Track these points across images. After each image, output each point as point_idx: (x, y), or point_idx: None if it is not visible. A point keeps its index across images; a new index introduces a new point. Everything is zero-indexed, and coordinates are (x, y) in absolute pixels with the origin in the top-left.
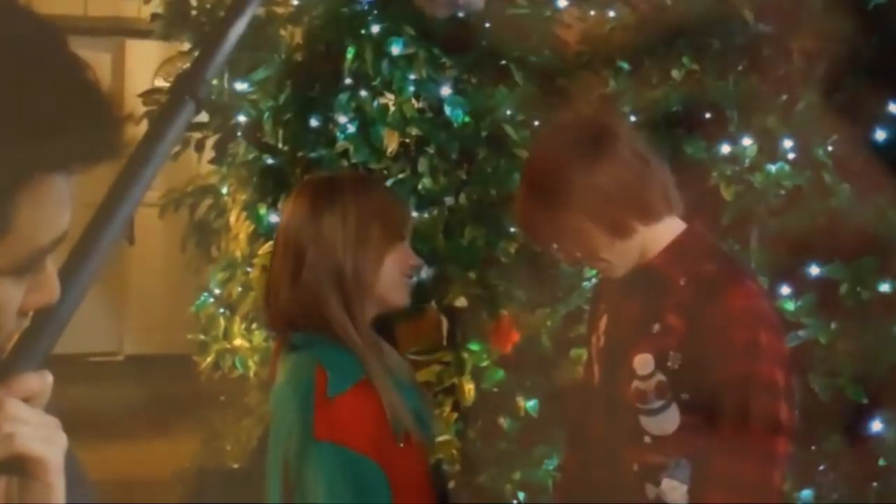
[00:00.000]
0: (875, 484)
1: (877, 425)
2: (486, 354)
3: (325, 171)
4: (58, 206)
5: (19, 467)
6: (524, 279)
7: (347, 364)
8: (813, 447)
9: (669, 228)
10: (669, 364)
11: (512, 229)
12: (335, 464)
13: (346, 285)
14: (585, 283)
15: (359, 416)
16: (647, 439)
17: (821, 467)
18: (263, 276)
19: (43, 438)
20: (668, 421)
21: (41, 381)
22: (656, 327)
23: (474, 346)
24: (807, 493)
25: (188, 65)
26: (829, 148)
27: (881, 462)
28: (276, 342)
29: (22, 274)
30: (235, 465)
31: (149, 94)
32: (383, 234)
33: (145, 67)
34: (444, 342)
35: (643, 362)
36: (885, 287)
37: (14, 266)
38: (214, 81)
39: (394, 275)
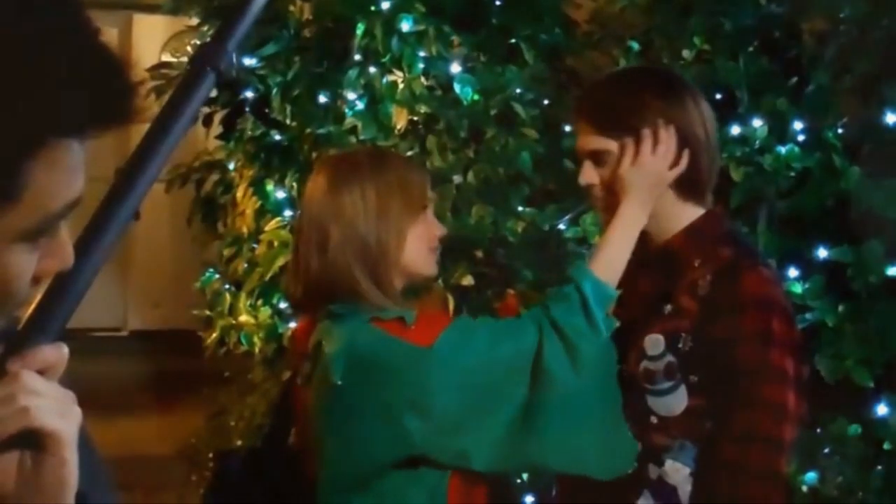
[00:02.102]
0: (879, 467)
1: (882, 409)
2: None
3: (336, 149)
4: (71, 171)
5: (34, 441)
6: (531, 258)
7: (400, 310)
8: (818, 430)
9: (689, 212)
10: (680, 346)
11: (520, 208)
12: (462, 342)
13: (372, 260)
14: None
15: (444, 318)
16: (653, 420)
17: (825, 450)
18: (270, 253)
19: (58, 412)
20: (676, 402)
21: (57, 354)
22: (668, 308)
23: None
24: (811, 476)
25: (209, 37)
26: (839, 130)
27: (886, 445)
28: (303, 320)
29: (36, 239)
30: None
31: (156, 69)
32: (404, 206)
33: (153, 42)
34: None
35: (653, 343)
36: (892, 271)
37: (28, 231)
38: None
39: (419, 246)
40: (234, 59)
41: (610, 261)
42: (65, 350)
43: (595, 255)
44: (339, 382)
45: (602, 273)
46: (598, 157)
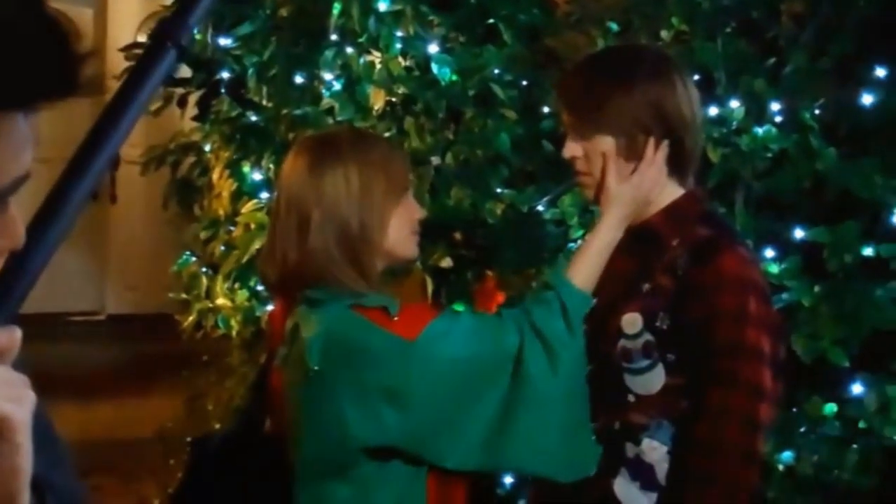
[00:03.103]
0: (855, 446)
1: (857, 388)
2: None
3: (313, 130)
4: (17, 145)
5: None
6: (510, 239)
7: (382, 298)
8: (794, 409)
9: (669, 191)
10: (658, 324)
11: (498, 190)
12: (445, 339)
13: (354, 243)
14: (571, 244)
15: (429, 312)
16: (630, 398)
17: (801, 429)
18: (247, 235)
19: (10, 397)
20: (653, 381)
21: (9, 338)
22: (646, 287)
23: (459, 307)
24: (787, 455)
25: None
26: (817, 111)
27: (861, 424)
28: (280, 302)
29: None
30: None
31: (130, 49)
32: (387, 189)
33: (128, 22)
34: (429, 303)
35: (631, 321)
36: (868, 251)
37: None
38: (198, 36)
39: (401, 229)
40: (195, 34)
41: (587, 269)
42: (18, 333)
43: (573, 262)
44: (316, 367)
45: (579, 281)
46: (581, 132)
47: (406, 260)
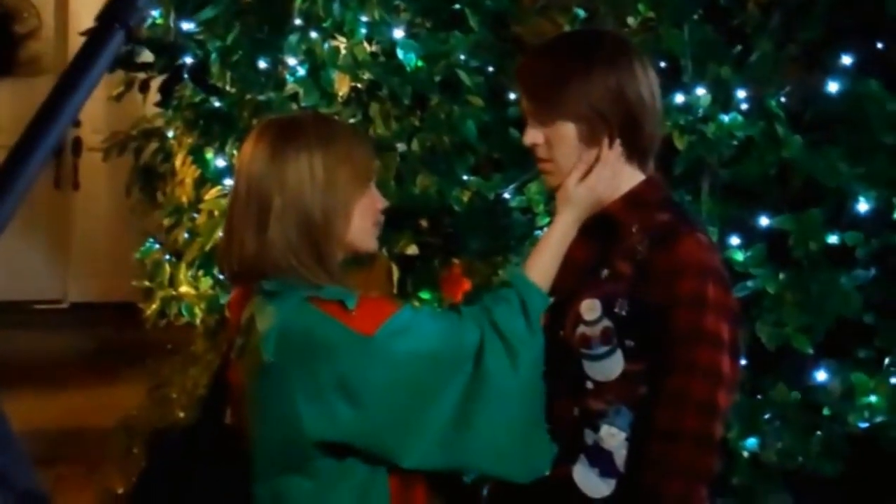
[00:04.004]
0: (819, 433)
1: (822, 375)
2: (437, 303)
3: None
4: None
5: None
6: (476, 227)
7: (339, 291)
8: (758, 396)
9: (629, 178)
10: (616, 310)
11: (465, 177)
12: (404, 335)
13: (315, 233)
14: (537, 232)
15: (388, 307)
16: (588, 385)
17: (766, 416)
18: (210, 222)
19: None
20: (612, 367)
21: None
22: (605, 273)
23: (425, 295)
24: (751, 442)
25: None
26: (783, 99)
27: (825, 411)
28: (237, 291)
29: None
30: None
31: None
32: (351, 178)
33: (90, 6)
34: (395, 290)
35: (590, 307)
36: (833, 239)
37: None
38: (160, 20)
39: (364, 220)
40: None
41: (544, 267)
42: None
43: (531, 260)
44: (271, 359)
45: (537, 278)
46: (541, 119)
47: (365, 252)
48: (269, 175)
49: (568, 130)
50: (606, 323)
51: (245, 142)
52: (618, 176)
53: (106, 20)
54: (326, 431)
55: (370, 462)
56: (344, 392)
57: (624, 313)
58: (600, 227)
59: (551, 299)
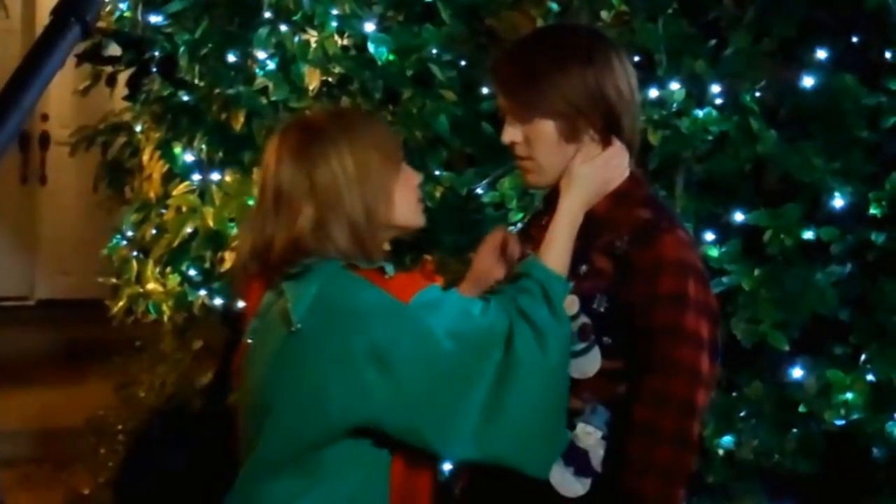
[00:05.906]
0: (795, 430)
1: (797, 372)
2: None
3: (246, 110)
4: None
5: None
6: (449, 223)
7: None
8: (734, 393)
9: None
10: (595, 306)
11: (437, 172)
12: (437, 309)
13: (358, 229)
14: (511, 228)
15: (423, 281)
16: None
17: (741, 413)
18: (178, 219)
19: None
20: (589, 364)
21: None
22: (583, 269)
23: None
24: (727, 439)
25: None
26: (757, 94)
27: (801, 408)
28: (257, 281)
29: None
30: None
31: None
32: (384, 162)
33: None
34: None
35: (568, 304)
36: (808, 235)
37: None
38: (127, 13)
39: (406, 197)
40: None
41: (559, 254)
42: None
43: (544, 249)
44: (299, 325)
45: (554, 266)
46: (519, 116)
47: (415, 229)
48: (299, 182)
49: (547, 128)
50: (584, 319)
51: (267, 152)
52: (627, 168)
53: (62, 15)
54: (354, 408)
55: (387, 445)
56: (377, 360)
57: (602, 310)
58: (582, 224)
59: (571, 284)
